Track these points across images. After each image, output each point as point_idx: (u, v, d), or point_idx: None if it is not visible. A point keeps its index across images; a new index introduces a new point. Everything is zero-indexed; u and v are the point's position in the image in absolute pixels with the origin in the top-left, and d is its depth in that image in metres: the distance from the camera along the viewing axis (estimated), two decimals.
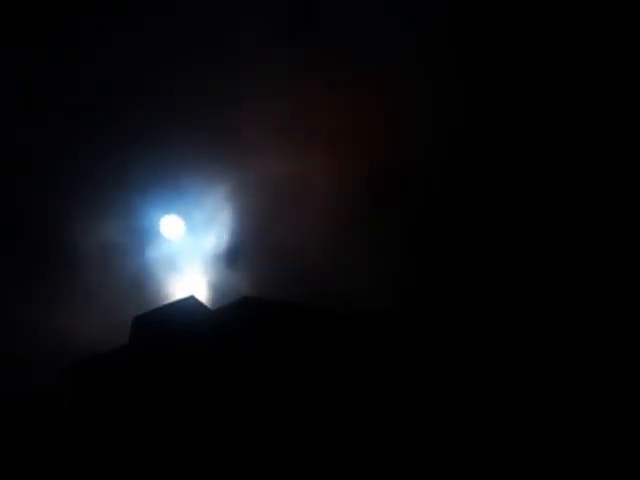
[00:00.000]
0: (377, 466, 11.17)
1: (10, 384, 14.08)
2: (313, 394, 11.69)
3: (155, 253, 16.57)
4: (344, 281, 13.71)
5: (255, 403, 11.87)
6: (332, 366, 11.78)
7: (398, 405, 11.39)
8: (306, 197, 15.52)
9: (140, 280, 16.31)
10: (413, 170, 14.54)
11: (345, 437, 11.37)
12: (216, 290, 14.21)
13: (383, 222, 14.14)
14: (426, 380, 11.49)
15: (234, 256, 15.72)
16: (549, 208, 12.84)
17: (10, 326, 15.29)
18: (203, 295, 13.39)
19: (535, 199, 12.99)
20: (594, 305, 11.63)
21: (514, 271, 12.46)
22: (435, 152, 14.52)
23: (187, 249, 16.43)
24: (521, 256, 12.52)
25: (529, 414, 10.96)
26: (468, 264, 13.06)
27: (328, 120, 15.95)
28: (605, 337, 11.21)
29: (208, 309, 12.74)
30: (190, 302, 12.71)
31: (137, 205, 16.61)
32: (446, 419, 11.15)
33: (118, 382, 12.20)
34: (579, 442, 10.63)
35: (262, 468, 11.51)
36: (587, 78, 13.07)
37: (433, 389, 11.40)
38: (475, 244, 13.09)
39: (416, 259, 13.22)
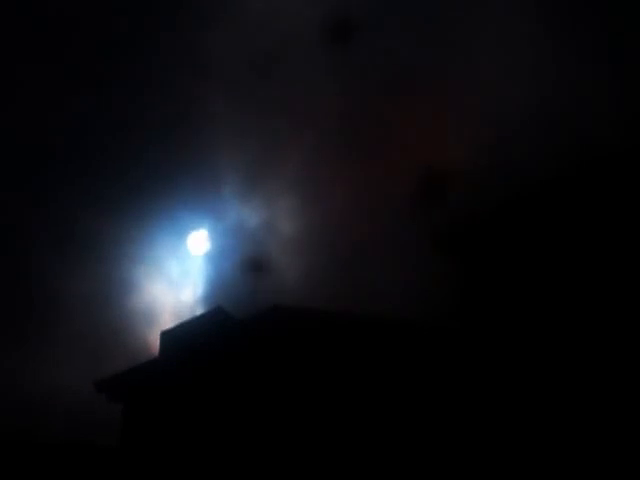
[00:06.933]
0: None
1: None
2: (349, 406, 11.43)
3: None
4: (374, 286, 13.61)
5: (288, 414, 11.60)
6: (367, 376, 11.54)
7: (437, 416, 11.23)
8: (336, 198, 15.51)
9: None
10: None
11: (384, 450, 11.19)
12: (242, 300, 14.02)
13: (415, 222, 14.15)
14: (459, 388, 11.36)
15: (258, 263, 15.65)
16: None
17: None
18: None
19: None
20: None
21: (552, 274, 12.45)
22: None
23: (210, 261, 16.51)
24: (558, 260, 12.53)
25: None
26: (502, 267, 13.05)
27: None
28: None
29: (236, 319, 12.45)
30: (217, 313, 12.43)
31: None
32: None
33: (154, 396, 11.87)
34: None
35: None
36: None
37: (466, 396, 11.30)
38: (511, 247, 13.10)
39: (450, 262, 13.17)
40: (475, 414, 11.09)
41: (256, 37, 17.92)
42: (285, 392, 11.64)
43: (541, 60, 15.55)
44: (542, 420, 10.81)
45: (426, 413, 11.24)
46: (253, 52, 17.82)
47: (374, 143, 16.36)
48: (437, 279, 13.40)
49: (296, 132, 17.00)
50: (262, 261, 16.06)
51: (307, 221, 15.94)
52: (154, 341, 15.35)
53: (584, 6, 15.39)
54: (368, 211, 14.98)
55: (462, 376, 11.31)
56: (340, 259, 14.52)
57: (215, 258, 17.22)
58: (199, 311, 16.11)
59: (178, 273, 17.37)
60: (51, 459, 13.10)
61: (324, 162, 16.01)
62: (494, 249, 13.49)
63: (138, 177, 17.25)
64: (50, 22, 17.86)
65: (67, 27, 17.75)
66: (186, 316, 15.59)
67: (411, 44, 16.56)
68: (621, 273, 12.27)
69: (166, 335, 12.32)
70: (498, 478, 10.71)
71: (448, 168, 14.93)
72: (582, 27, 15.27)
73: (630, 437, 10.40)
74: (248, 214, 17.14)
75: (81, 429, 13.89)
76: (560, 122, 14.63)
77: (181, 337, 12.17)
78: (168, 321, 16.31)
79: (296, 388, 11.62)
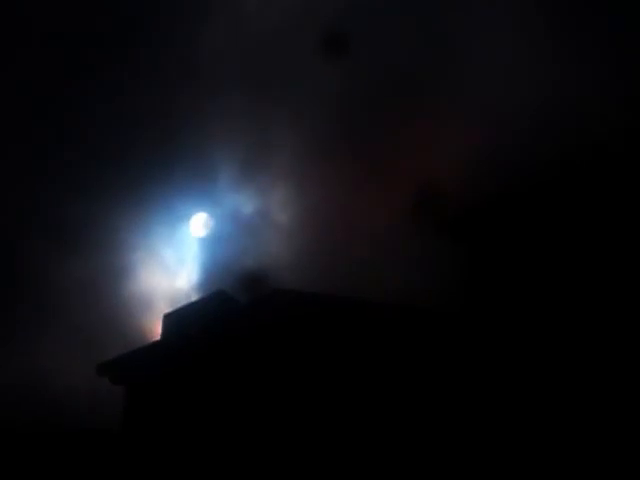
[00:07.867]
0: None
1: None
2: (350, 390, 11.40)
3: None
4: (374, 271, 13.62)
5: (289, 397, 11.57)
6: (368, 361, 11.51)
7: (439, 403, 11.22)
8: (336, 184, 15.54)
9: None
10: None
11: (383, 435, 11.14)
12: (245, 284, 14.04)
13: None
14: (460, 373, 11.36)
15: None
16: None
17: None
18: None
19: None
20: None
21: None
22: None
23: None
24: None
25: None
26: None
27: None
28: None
29: (239, 303, 12.46)
30: (220, 297, 12.42)
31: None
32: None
33: (156, 378, 11.80)
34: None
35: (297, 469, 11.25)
36: None
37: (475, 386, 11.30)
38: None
39: (451, 250, 13.19)
40: (476, 401, 11.05)
41: (253, 34, 18.05)
42: (286, 375, 11.60)
43: (541, 60, 15.69)
44: (544, 411, 10.81)
45: (427, 399, 11.18)
46: (251, 49, 17.94)
47: (372, 134, 16.46)
48: (438, 265, 13.45)
49: (295, 120, 17.09)
50: (259, 246, 16.11)
51: (306, 206, 15.98)
52: (151, 327, 15.37)
53: (584, 6, 15.56)
54: (368, 196, 15.07)
55: (464, 361, 11.28)
56: (340, 244, 14.58)
57: (211, 244, 17.34)
58: (195, 297, 16.13)
59: (174, 259, 17.43)
60: (52, 446, 12.99)
61: (325, 147, 16.09)
62: (493, 250, 13.56)
63: (134, 164, 17.31)
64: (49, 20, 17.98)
65: (68, 23, 17.85)
66: (182, 302, 15.62)
67: (410, 44, 16.68)
68: (622, 272, 12.34)
69: (169, 318, 12.31)
70: (500, 472, 10.73)
71: (447, 166, 15.04)
72: (582, 27, 15.43)
73: (630, 427, 10.44)
74: (245, 201, 17.27)
75: (80, 416, 13.81)
76: (560, 122, 14.75)
77: (183, 320, 12.15)
78: (164, 308, 16.26)
79: (296, 371, 11.56)
